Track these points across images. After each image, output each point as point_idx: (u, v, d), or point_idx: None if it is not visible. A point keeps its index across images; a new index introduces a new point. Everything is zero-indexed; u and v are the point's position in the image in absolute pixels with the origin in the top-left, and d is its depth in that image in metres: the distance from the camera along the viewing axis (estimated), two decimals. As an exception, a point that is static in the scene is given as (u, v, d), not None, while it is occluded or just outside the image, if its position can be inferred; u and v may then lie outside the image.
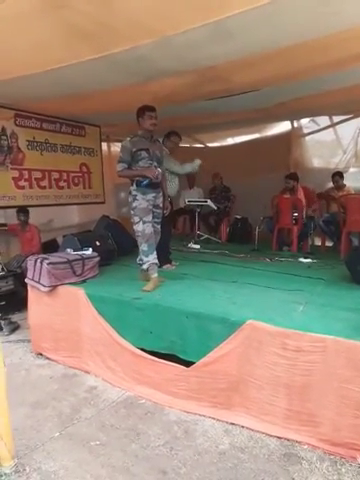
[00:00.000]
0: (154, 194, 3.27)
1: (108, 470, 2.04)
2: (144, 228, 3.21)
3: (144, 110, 3.20)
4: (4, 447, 1.97)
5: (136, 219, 3.23)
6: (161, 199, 3.37)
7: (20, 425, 2.37)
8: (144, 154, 3.21)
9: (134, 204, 3.23)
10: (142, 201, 3.21)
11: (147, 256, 3.23)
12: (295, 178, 5.17)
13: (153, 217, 3.30)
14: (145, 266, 3.24)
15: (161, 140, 3.76)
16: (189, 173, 4.66)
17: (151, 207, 3.26)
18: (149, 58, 2.95)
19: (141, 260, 3.30)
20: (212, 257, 4.54)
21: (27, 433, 2.34)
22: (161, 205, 3.38)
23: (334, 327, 2.25)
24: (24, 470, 2.02)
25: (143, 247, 3.25)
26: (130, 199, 3.26)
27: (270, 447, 2.20)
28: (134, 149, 3.19)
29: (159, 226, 3.42)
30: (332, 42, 2.72)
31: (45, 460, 2.11)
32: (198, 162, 4.26)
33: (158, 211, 3.36)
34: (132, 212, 3.26)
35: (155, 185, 3.25)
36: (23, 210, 4.91)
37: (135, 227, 3.26)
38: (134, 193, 3.23)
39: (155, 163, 3.27)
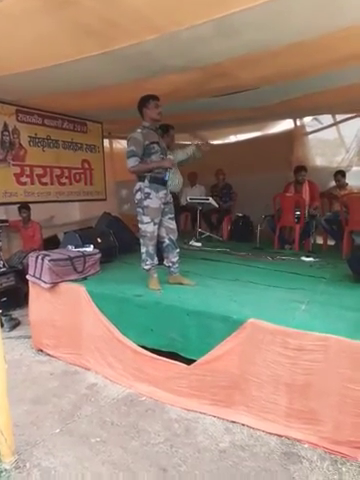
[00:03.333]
0: (165, 191, 3.09)
1: (108, 467, 2.04)
2: (154, 230, 3.07)
3: (149, 99, 3.02)
4: (4, 443, 1.97)
5: (146, 219, 3.03)
6: (170, 195, 3.19)
7: (21, 421, 2.37)
8: (157, 147, 3.03)
9: (145, 203, 3.01)
10: (155, 200, 3.01)
11: (152, 259, 3.13)
12: (306, 170, 5.15)
13: (165, 214, 3.13)
14: (148, 267, 3.14)
15: None
16: (184, 161, 4.13)
17: (163, 206, 3.09)
18: (153, 54, 2.94)
19: (145, 261, 3.14)
20: (213, 255, 4.53)
21: (27, 429, 2.34)
22: (171, 200, 3.20)
23: (336, 326, 2.24)
24: (24, 466, 2.02)
25: (150, 250, 3.11)
26: (140, 196, 3.03)
27: (270, 445, 2.19)
28: (146, 142, 2.98)
29: (174, 222, 3.23)
30: (337, 39, 2.70)
31: (45, 456, 2.11)
32: (192, 148, 3.99)
33: (169, 207, 3.17)
34: (141, 211, 3.05)
35: (165, 181, 3.09)
36: (25, 206, 4.90)
37: (144, 227, 3.07)
38: (147, 191, 3.00)
39: (164, 157, 3.15)
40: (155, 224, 3.07)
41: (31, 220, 4.94)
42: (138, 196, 3.06)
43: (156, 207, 3.04)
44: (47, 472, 1.99)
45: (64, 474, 1.98)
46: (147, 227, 3.06)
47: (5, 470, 1.96)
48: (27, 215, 4.89)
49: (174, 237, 3.22)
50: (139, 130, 3.03)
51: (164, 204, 3.12)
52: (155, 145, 3.03)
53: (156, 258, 3.17)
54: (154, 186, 3.03)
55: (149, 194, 3.02)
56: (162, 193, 3.07)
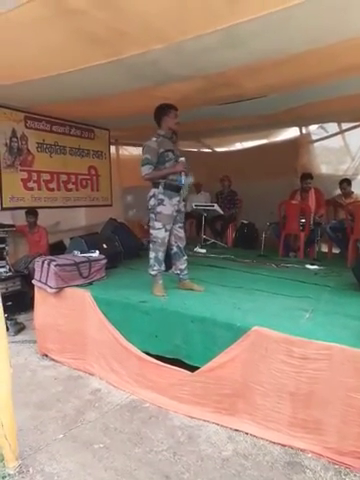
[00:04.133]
0: (178, 198, 3.11)
1: (111, 474, 2.04)
2: (165, 236, 3.09)
3: (170, 108, 3.05)
4: (8, 448, 1.98)
5: (158, 225, 3.06)
6: (183, 203, 3.23)
7: (24, 426, 2.38)
8: (171, 155, 3.07)
9: (158, 209, 3.04)
10: (169, 206, 3.04)
11: (160, 265, 3.14)
12: (311, 177, 5.17)
13: (176, 222, 3.16)
14: (154, 273, 3.15)
15: None
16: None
17: (175, 213, 3.12)
18: (160, 63, 2.98)
19: (152, 267, 3.14)
20: (218, 262, 4.53)
21: (31, 434, 2.35)
22: (183, 209, 3.25)
23: (340, 335, 2.24)
24: (27, 471, 2.03)
25: (159, 255, 3.11)
26: (153, 202, 3.06)
27: (274, 455, 2.18)
28: (161, 150, 3.02)
29: (183, 230, 3.26)
30: (342, 49, 2.72)
31: (48, 462, 2.11)
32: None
33: (180, 216, 3.21)
34: (154, 217, 3.07)
35: (178, 188, 3.11)
36: (32, 211, 4.95)
37: (155, 233, 3.09)
38: (161, 197, 3.03)
39: None
40: (166, 231, 3.09)
41: (37, 225, 4.98)
42: (152, 202, 3.09)
43: (169, 214, 3.07)
44: (50, 478, 1.99)
45: (67, 480, 1.98)
46: (158, 233, 3.08)
47: (8, 475, 1.96)
48: (33, 220, 4.93)
49: (182, 245, 3.25)
50: (154, 139, 3.07)
51: (176, 212, 3.14)
52: (169, 153, 3.07)
53: (164, 265, 3.19)
54: (168, 193, 3.06)
55: (162, 200, 3.05)
56: (175, 200, 3.10)
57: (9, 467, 2.00)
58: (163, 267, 3.18)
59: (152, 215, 3.10)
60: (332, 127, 6.03)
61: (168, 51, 2.74)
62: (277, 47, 2.74)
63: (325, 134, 6.16)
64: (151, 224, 3.12)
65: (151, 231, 3.13)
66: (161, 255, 3.14)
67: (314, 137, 6.29)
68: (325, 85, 3.59)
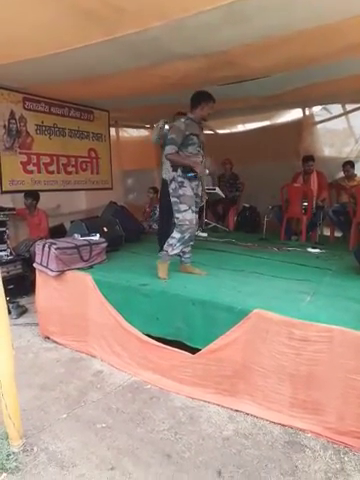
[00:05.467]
0: (197, 182, 3.13)
1: (113, 452, 2.07)
2: (192, 218, 3.06)
3: (211, 99, 3.07)
4: (13, 427, 2.01)
5: (183, 207, 3.04)
6: (200, 188, 3.22)
7: (28, 406, 2.41)
8: (195, 139, 3.07)
9: (180, 191, 3.05)
10: (189, 188, 3.05)
11: (182, 244, 3.10)
12: (313, 159, 5.12)
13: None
14: (175, 252, 3.10)
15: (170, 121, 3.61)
16: None
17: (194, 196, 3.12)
18: (160, 41, 2.89)
19: (173, 246, 3.08)
20: (219, 245, 4.53)
21: (35, 414, 2.38)
22: (200, 194, 3.23)
23: (341, 317, 2.24)
24: (32, 449, 2.07)
25: (186, 236, 3.07)
26: (174, 186, 3.07)
27: (274, 434, 2.22)
28: (187, 132, 3.02)
29: (196, 216, 3.21)
30: (351, 26, 2.63)
31: (52, 441, 2.15)
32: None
33: (197, 200, 3.20)
34: (177, 200, 3.06)
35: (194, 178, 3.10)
36: (30, 193, 4.89)
37: (182, 216, 3.05)
38: (180, 180, 3.04)
39: (202, 151, 3.15)
40: (193, 211, 3.08)
41: (37, 208, 4.94)
42: (173, 186, 3.09)
43: (191, 195, 3.08)
44: (54, 456, 2.03)
45: (70, 458, 2.02)
46: (186, 215, 3.05)
47: (13, 453, 2.00)
48: (31, 203, 4.86)
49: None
50: (183, 120, 3.08)
51: (195, 194, 3.13)
52: (194, 137, 3.07)
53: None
54: (187, 176, 3.06)
55: (183, 182, 3.06)
56: (194, 184, 3.11)
57: (14, 445, 2.04)
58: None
59: (175, 199, 3.09)
60: (336, 108, 5.91)
61: (168, 29, 2.65)
62: (283, 23, 2.64)
63: (329, 115, 6.05)
64: (176, 208, 3.09)
65: (177, 215, 3.09)
66: (188, 237, 3.10)
67: (317, 119, 6.17)
68: (331, 64, 3.50)
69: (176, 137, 3.00)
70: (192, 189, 3.08)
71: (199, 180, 3.16)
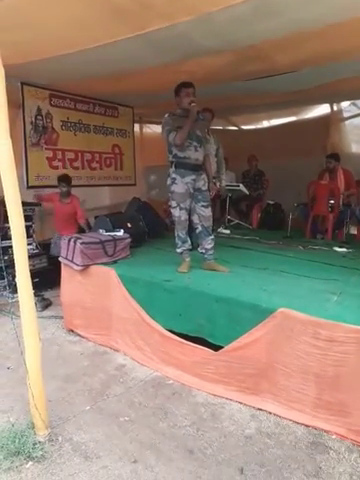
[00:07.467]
0: (194, 176, 3.13)
1: (136, 445, 2.10)
2: (180, 215, 3.18)
3: (180, 86, 3.09)
4: (39, 417, 2.06)
5: (173, 203, 3.19)
6: (203, 182, 3.22)
7: (53, 397, 2.46)
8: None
9: (172, 188, 3.16)
10: (181, 185, 3.11)
11: (183, 242, 3.25)
12: (337, 159, 4.99)
13: (198, 201, 3.19)
14: (179, 250, 3.27)
15: None
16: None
17: (191, 191, 3.15)
18: (187, 37, 2.87)
19: (177, 245, 3.28)
20: (243, 243, 4.48)
21: (60, 405, 2.43)
22: (205, 188, 3.23)
23: (370, 319, 2.18)
24: (57, 439, 2.11)
25: (180, 233, 3.25)
26: (168, 182, 3.19)
27: (297, 434, 2.19)
28: (176, 124, 3.08)
29: (208, 209, 3.24)
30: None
31: (77, 431, 2.19)
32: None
33: (203, 194, 3.21)
34: (170, 196, 3.22)
35: (195, 167, 3.14)
36: (65, 178, 4.64)
37: (173, 211, 3.24)
38: (173, 176, 3.14)
39: (195, 143, 3.12)
40: (181, 209, 3.17)
41: (71, 195, 4.72)
42: (168, 182, 3.22)
43: (182, 192, 3.14)
44: (78, 447, 2.07)
45: (94, 449, 2.05)
46: (174, 211, 3.22)
47: (39, 442, 2.05)
48: (67, 189, 4.64)
49: (207, 224, 3.25)
50: (167, 115, 3.17)
51: (195, 190, 3.17)
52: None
53: (189, 242, 3.27)
54: (180, 171, 3.13)
55: (175, 179, 3.14)
56: (189, 179, 3.13)
57: (40, 435, 2.08)
58: (188, 245, 3.27)
59: (169, 194, 3.23)
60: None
61: (196, 23, 2.63)
62: (312, 18, 2.56)
63: (358, 111, 5.88)
64: (169, 203, 3.27)
65: (170, 210, 3.27)
66: (182, 233, 3.24)
67: (346, 114, 6.01)
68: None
69: (170, 127, 3.09)
70: (185, 185, 3.12)
71: (197, 174, 3.16)
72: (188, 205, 3.18)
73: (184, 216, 3.19)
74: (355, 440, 2.11)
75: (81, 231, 4.51)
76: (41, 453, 1.98)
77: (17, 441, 1.98)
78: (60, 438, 2.13)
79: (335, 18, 2.57)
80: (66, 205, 4.71)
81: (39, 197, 4.75)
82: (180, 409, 2.42)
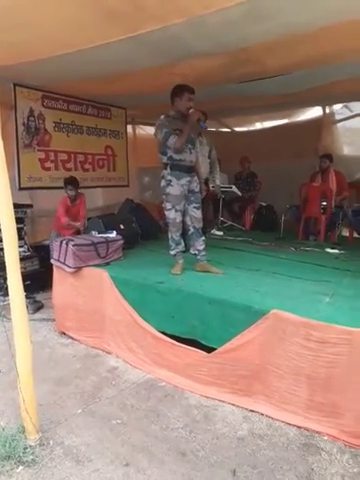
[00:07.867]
0: (188, 178, 3.15)
1: (128, 448, 2.08)
2: (175, 217, 3.16)
3: (184, 90, 3.03)
4: (29, 421, 2.04)
5: (168, 206, 3.16)
6: (196, 183, 3.24)
7: (44, 400, 2.44)
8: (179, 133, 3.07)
9: (167, 190, 3.13)
10: (177, 187, 3.10)
11: (177, 244, 3.25)
12: (331, 159, 5.03)
13: (191, 203, 3.20)
14: (173, 252, 3.27)
15: None
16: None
17: (186, 193, 3.16)
18: (180, 39, 2.87)
19: (170, 247, 3.28)
20: (235, 244, 4.49)
21: (51, 408, 2.41)
22: (197, 189, 3.25)
23: (361, 320, 2.19)
24: (48, 443, 2.09)
25: (174, 235, 3.23)
26: (163, 184, 3.15)
27: (289, 436, 2.19)
28: (172, 127, 3.06)
29: (199, 211, 3.26)
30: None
31: (68, 435, 2.17)
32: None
33: (195, 196, 3.23)
34: (165, 197, 3.17)
35: (189, 169, 3.17)
36: (71, 181, 4.51)
37: (167, 214, 3.20)
38: (168, 178, 3.11)
39: (190, 145, 3.14)
40: (177, 211, 3.16)
41: (79, 194, 4.63)
42: (162, 183, 3.18)
43: (177, 194, 3.13)
44: (69, 450, 2.05)
45: (85, 453, 2.04)
46: (169, 213, 3.19)
47: (30, 447, 2.02)
48: (74, 193, 4.51)
49: (198, 226, 3.28)
50: (163, 116, 3.13)
51: (189, 192, 3.18)
52: (178, 132, 3.07)
53: (182, 244, 3.28)
54: (175, 173, 3.11)
55: (170, 181, 3.12)
56: (184, 180, 3.13)
57: (30, 439, 2.06)
58: (182, 247, 3.27)
59: (163, 196, 3.20)
60: (357, 106, 5.80)
61: (189, 26, 2.62)
62: (304, 21, 2.57)
63: (349, 114, 5.93)
64: (164, 205, 3.22)
65: (165, 212, 3.23)
66: (175, 235, 3.23)
67: (338, 117, 6.05)
68: (352, 62, 3.41)
69: (167, 130, 3.05)
70: (180, 187, 3.11)
71: (191, 176, 3.17)
72: (183, 207, 3.18)
73: (179, 218, 3.19)
74: (347, 441, 2.11)
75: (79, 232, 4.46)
76: (32, 457, 1.96)
77: (8, 445, 1.96)
78: (51, 442, 2.11)
79: (327, 21, 2.58)
80: (75, 206, 4.65)
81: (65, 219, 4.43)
82: (172, 411, 2.41)
